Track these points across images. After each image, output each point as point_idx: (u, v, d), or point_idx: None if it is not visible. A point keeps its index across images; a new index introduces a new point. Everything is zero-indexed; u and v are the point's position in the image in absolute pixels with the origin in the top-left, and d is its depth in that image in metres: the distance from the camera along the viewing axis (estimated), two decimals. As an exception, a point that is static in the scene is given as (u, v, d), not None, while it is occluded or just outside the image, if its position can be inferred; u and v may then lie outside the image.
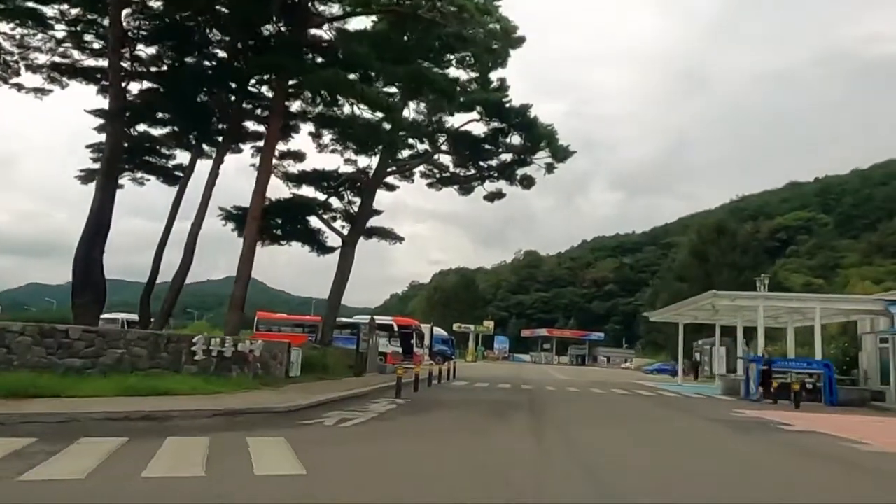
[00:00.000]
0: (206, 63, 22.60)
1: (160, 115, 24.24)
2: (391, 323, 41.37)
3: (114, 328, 22.19)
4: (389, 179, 33.66)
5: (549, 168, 29.82)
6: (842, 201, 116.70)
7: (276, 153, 31.53)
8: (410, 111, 31.24)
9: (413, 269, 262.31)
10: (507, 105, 27.99)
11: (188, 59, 22.63)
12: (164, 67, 23.37)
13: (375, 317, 43.71)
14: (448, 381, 26.49)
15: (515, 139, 30.05)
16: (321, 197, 32.31)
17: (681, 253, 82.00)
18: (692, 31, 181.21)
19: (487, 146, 30.68)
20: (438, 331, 57.59)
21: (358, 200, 32.01)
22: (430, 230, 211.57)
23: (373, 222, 32.99)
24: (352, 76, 19.89)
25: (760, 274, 33.83)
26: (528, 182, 31.74)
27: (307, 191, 32.21)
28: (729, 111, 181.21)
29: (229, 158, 29.84)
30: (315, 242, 32.83)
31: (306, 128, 31.37)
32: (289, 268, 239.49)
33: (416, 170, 34.13)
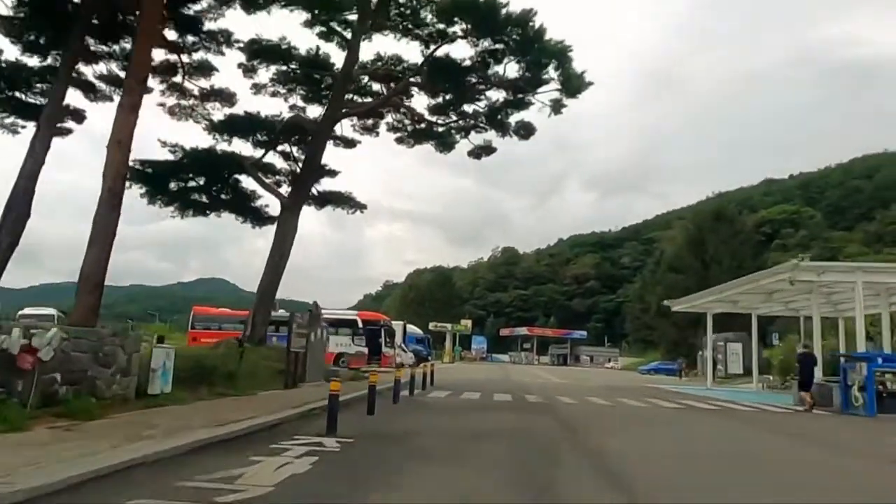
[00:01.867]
0: None
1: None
2: (354, 318, 33.21)
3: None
4: (347, 131, 25.50)
5: (556, 106, 21.76)
6: (825, 194, 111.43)
7: (197, 92, 23.27)
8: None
9: (388, 270, 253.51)
10: (504, 12, 19.81)
11: None
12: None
13: (338, 311, 35.55)
14: (424, 392, 18.44)
15: (511, 69, 21.96)
16: (258, 154, 24.03)
17: (670, 245, 74.78)
18: (665, 30, 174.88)
19: (474, 79, 22.58)
20: (412, 329, 49.55)
21: (305, 158, 23.84)
22: (404, 231, 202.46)
23: (328, 187, 24.85)
24: None
25: (802, 257, 26.02)
26: (525, 131, 23.73)
27: (244, 148, 23.92)
28: (701, 111, 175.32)
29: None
30: (248, 211, 24.52)
31: (234, 58, 23.19)
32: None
33: (383, 122, 26.01)
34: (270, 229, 23.04)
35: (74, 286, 13.10)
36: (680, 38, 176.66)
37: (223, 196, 24.28)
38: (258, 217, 24.23)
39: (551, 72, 21.03)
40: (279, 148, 24.86)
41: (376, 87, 25.19)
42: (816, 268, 17.66)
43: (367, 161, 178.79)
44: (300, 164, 24.24)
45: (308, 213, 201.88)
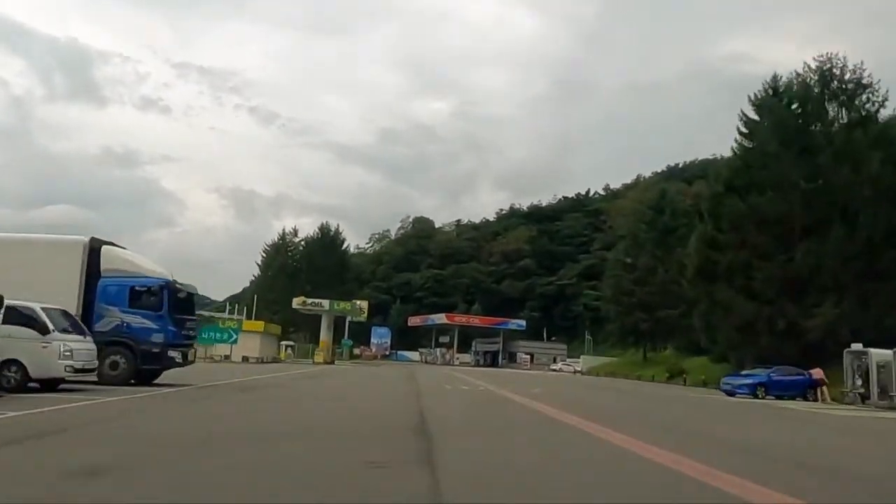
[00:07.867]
0: None
1: None
2: None
3: None
4: None
5: None
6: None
7: None
8: None
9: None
10: None
11: None
12: None
13: None
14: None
15: None
16: None
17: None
18: (573, 38, 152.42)
19: None
20: (128, 259, 14.93)
21: None
22: (313, 224, 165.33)
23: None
24: None
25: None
26: None
27: None
28: (606, 117, 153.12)
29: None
30: None
31: None
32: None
33: None
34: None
35: None
36: (587, 45, 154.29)
37: None
38: None
39: None
40: None
41: None
42: None
43: (275, 149, 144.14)
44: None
45: (211, 202, 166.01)
